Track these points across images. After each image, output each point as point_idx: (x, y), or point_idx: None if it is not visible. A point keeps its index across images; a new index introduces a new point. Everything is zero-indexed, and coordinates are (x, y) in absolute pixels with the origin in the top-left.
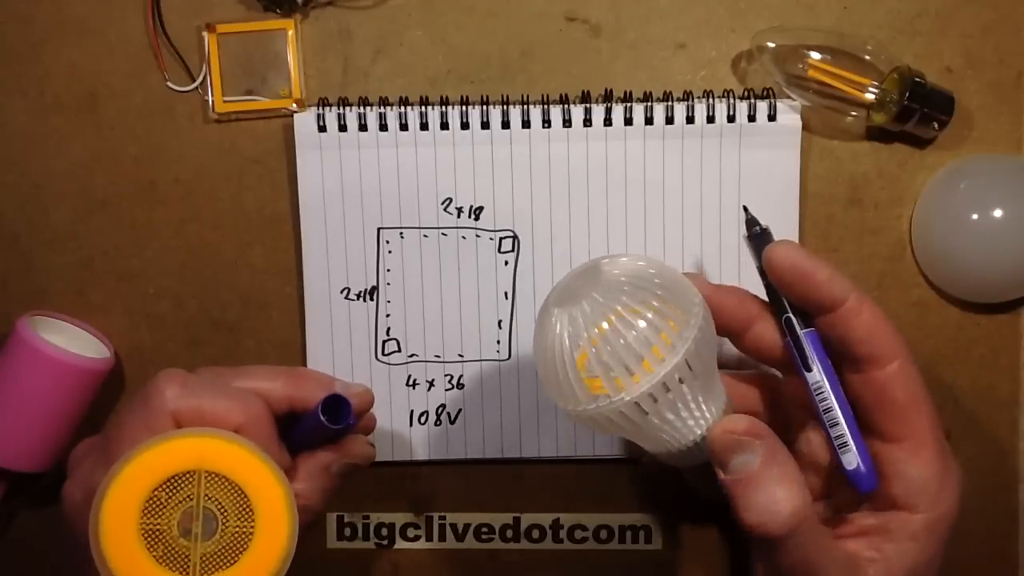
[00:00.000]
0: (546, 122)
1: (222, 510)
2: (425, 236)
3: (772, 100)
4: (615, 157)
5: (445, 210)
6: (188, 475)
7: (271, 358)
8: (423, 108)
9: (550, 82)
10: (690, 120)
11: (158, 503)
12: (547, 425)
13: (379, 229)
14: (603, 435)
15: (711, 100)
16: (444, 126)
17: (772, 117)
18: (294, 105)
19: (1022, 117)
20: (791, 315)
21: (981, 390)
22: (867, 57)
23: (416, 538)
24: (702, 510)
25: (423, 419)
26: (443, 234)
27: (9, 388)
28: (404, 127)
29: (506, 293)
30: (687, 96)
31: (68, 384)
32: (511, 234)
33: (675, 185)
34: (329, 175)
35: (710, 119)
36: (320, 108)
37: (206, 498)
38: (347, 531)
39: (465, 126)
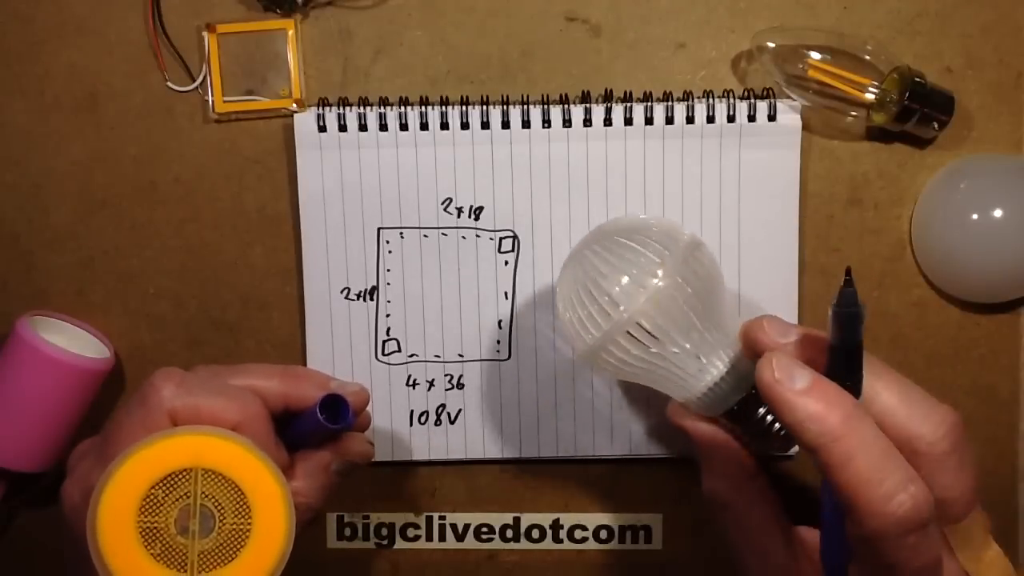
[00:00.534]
0: (546, 122)
1: (219, 507)
2: (425, 236)
3: (772, 100)
4: (615, 157)
5: (445, 210)
6: (185, 473)
7: (271, 358)
8: (423, 108)
9: (550, 82)
10: (690, 120)
11: (155, 501)
12: (547, 425)
13: (379, 229)
14: (621, 379)
15: (711, 100)
16: (444, 126)
17: (772, 117)
18: (294, 105)
19: (1022, 117)
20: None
21: (981, 390)
22: (867, 57)
23: (416, 538)
24: (701, 510)
25: (423, 419)
26: (443, 234)
27: (9, 388)
28: (404, 127)
29: (506, 293)
30: (687, 96)
31: (68, 384)
32: (511, 234)
33: (675, 185)
34: (329, 175)
35: (710, 119)
36: (320, 108)
37: (203, 496)
38: (347, 531)
39: (465, 126)
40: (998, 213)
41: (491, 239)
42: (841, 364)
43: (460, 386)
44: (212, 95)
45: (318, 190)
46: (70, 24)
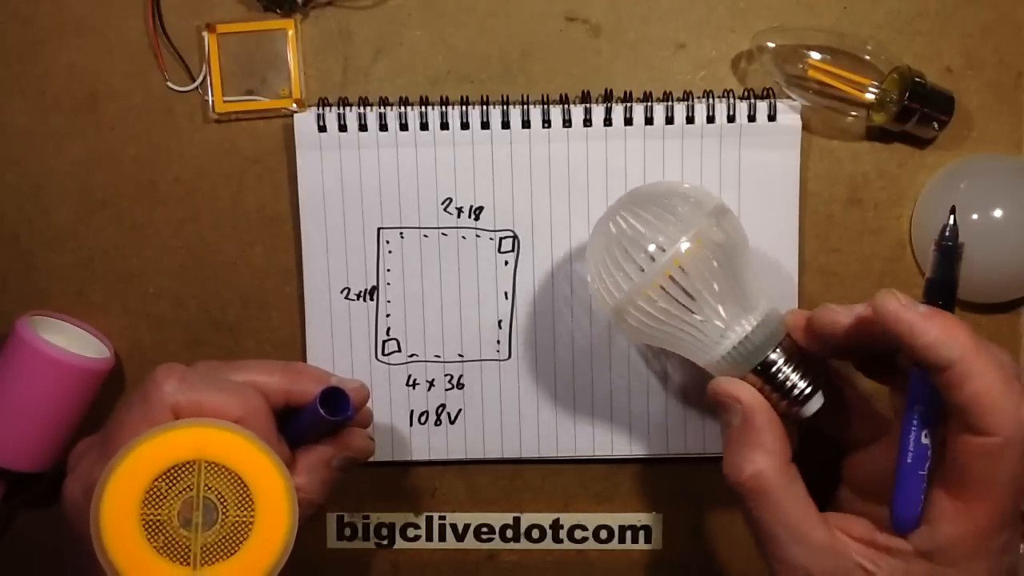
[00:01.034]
0: (546, 122)
1: (222, 500)
2: (425, 236)
3: (772, 100)
4: (615, 157)
5: (445, 210)
6: (188, 465)
7: (271, 358)
8: (423, 108)
9: (550, 82)
10: (690, 120)
11: (158, 494)
12: (547, 425)
13: (379, 229)
14: (643, 342)
15: (711, 100)
16: (444, 126)
17: (772, 117)
18: (294, 105)
19: (1022, 117)
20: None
21: None
22: (867, 57)
23: (416, 538)
24: (702, 510)
25: (423, 419)
26: (443, 234)
27: (9, 388)
28: (404, 127)
29: (506, 293)
30: (687, 96)
31: (68, 384)
32: (511, 234)
33: None
34: (329, 175)
35: (710, 119)
36: (320, 108)
37: (206, 488)
38: (347, 531)
39: (465, 126)
40: (998, 213)
41: (491, 239)
42: (940, 297)
43: (460, 386)
44: (212, 95)
45: (318, 190)
46: (70, 24)
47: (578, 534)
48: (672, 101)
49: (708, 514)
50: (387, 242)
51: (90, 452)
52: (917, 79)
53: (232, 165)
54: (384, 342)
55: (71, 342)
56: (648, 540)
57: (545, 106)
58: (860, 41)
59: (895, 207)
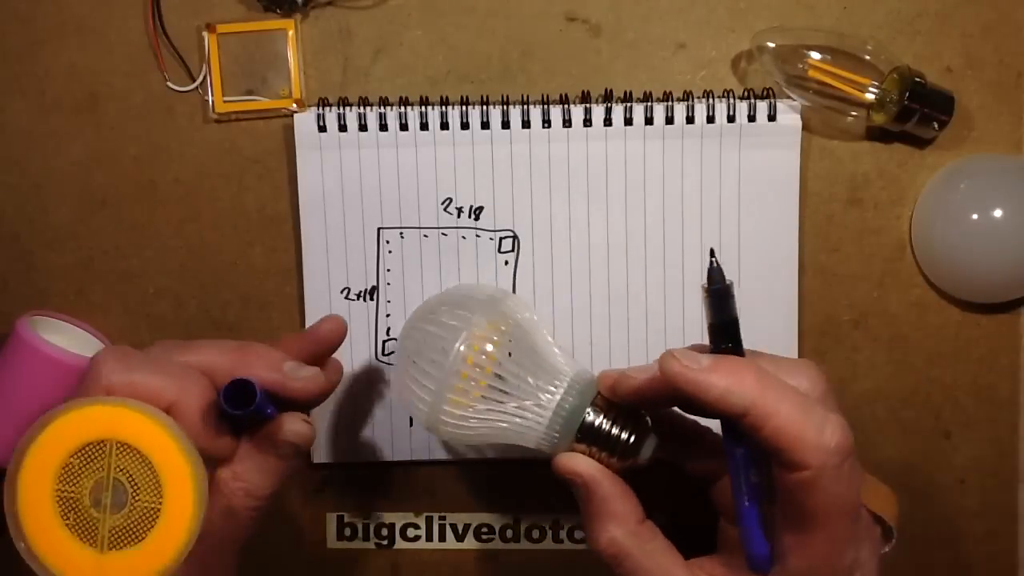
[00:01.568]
0: (546, 122)
1: (133, 484)
2: (425, 236)
3: (772, 100)
4: (615, 157)
5: (445, 210)
6: (100, 444)
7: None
8: (423, 108)
9: (550, 82)
10: (690, 120)
11: (72, 471)
12: None
13: (379, 229)
14: (471, 443)
15: (711, 100)
16: (444, 126)
17: (772, 117)
18: (294, 105)
19: (1022, 117)
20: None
21: (981, 390)
22: (867, 57)
23: (416, 538)
24: (702, 510)
25: None
26: (443, 234)
27: (9, 388)
28: (404, 127)
29: None
30: (687, 96)
31: (68, 384)
32: (511, 234)
33: (675, 185)
34: (329, 175)
35: (710, 119)
36: (320, 108)
37: (118, 470)
38: (347, 531)
39: (465, 126)
40: (998, 213)
41: (491, 239)
42: (723, 339)
43: None
44: (212, 95)
45: (318, 190)
46: (70, 24)
47: (578, 534)
48: (672, 101)
49: (708, 514)
50: (387, 242)
51: None
52: (917, 79)
53: (232, 165)
54: (384, 342)
55: (71, 342)
56: None
57: (545, 106)
58: (860, 41)
59: (895, 207)
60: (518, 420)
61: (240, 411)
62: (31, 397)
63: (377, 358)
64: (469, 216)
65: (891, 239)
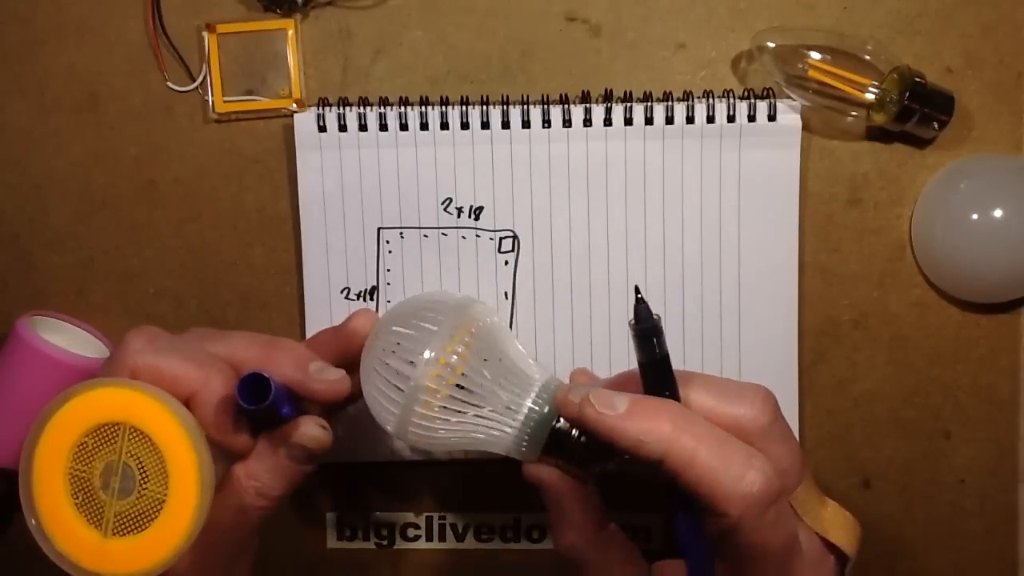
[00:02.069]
0: (546, 122)
1: (143, 471)
2: (425, 236)
3: (772, 100)
4: (615, 157)
5: (445, 210)
6: (115, 427)
7: None
8: (423, 108)
9: (550, 82)
10: (690, 120)
11: (87, 450)
12: None
13: (379, 229)
14: (443, 449)
15: (711, 100)
16: (444, 126)
17: (772, 117)
18: (294, 105)
19: (1022, 117)
20: None
21: (981, 390)
22: (867, 57)
23: (416, 538)
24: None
25: None
26: (443, 234)
27: (9, 388)
28: (404, 127)
29: (506, 293)
30: (687, 96)
31: (68, 384)
32: (511, 234)
33: (675, 185)
34: (329, 175)
35: (710, 119)
36: (320, 108)
37: (129, 455)
38: (347, 531)
39: (465, 126)
40: (998, 213)
41: (491, 239)
42: (653, 378)
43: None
44: (212, 95)
45: (318, 190)
46: (70, 24)
47: None
48: (672, 101)
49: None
50: (387, 242)
51: None
52: (917, 79)
53: (232, 165)
54: None
55: (71, 342)
56: (648, 540)
57: (545, 106)
58: (860, 41)
59: (895, 207)
60: (487, 429)
61: (252, 405)
62: (31, 397)
63: None
64: (469, 216)
65: (891, 239)
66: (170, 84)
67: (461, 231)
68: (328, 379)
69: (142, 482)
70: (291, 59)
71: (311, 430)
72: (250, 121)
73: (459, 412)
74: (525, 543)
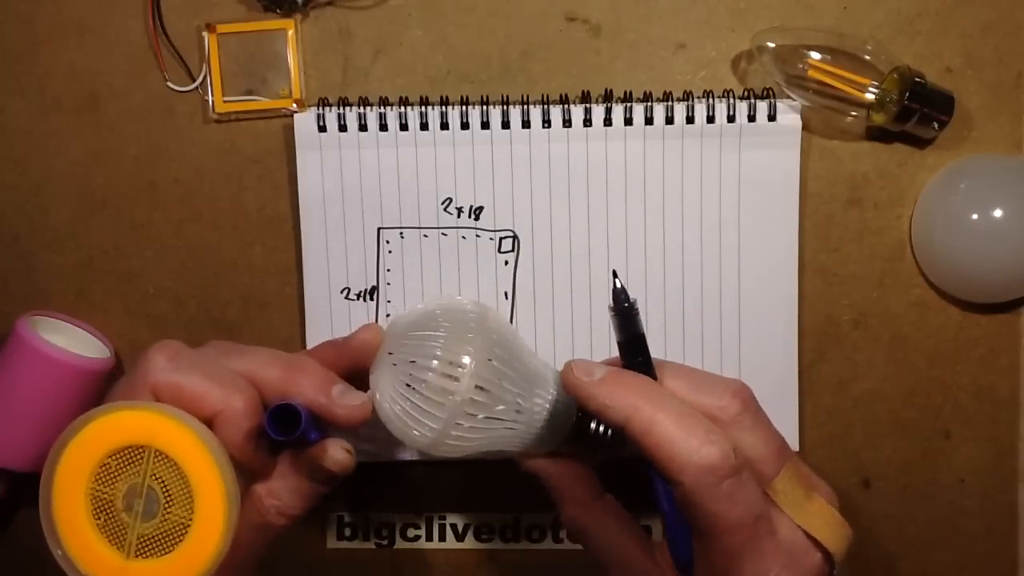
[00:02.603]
0: (546, 122)
1: (168, 494)
2: (425, 236)
3: (772, 100)
4: (615, 157)
5: (445, 210)
6: (140, 450)
7: None
8: (423, 108)
9: (550, 82)
10: (690, 120)
11: (110, 472)
12: None
13: (379, 229)
14: (465, 455)
15: (711, 100)
16: (444, 126)
17: (772, 117)
18: (294, 105)
19: (1022, 117)
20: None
21: (981, 390)
22: (867, 57)
23: (416, 538)
24: None
25: None
26: (443, 234)
27: (9, 388)
28: (404, 127)
29: (506, 293)
30: (687, 96)
31: (68, 384)
32: (511, 234)
33: (675, 185)
34: (329, 175)
35: (710, 119)
36: (320, 108)
37: (154, 478)
38: (347, 531)
39: (465, 126)
40: (998, 213)
41: (491, 239)
42: (630, 355)
43: None
44: (212, 95)
45: (318, 190)
46: (70, 24)
47: None
48: (672, 101)
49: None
50: (387, 242)
51: None
52: (917, 79)
53: (232, 165)
54: None
55: (71, 342)
56: None
57: (545, 106)
58: (860, 41)
59: (895, 207)
60: (521, 427)
61: (284, 437)
62: (31, 397)
63: None
64: (469, 216)
65: (891, 239)
66: (170, 84)
67: (461, 231)
68: (351, 404)
69: (167, 505)
70: (291, 59)
71: (338, 454)
72: (250, 121)
73: (494, 419)
74: (525, 543)
